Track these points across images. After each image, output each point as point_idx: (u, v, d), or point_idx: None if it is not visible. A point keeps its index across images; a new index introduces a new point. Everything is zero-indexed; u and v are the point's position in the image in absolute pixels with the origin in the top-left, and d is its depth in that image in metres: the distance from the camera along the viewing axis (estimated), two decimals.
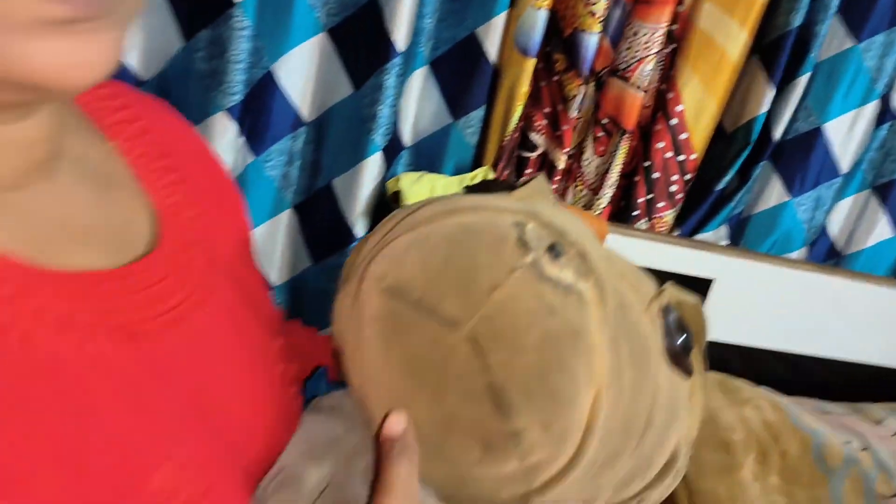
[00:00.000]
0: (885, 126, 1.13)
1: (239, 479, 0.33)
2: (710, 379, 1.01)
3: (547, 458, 0.34)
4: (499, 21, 0.90)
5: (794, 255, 1.15)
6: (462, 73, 0.94)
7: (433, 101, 0.96)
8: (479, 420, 0.34)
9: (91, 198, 0.32)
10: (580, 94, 0.95)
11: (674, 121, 1.00)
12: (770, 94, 0.99)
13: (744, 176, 1.06)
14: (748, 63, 1.02)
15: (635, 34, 0.94)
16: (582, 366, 0.34)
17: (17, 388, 0.23)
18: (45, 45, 0.22)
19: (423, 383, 0.35)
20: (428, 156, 0.98)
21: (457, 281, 0.35)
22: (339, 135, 0.91)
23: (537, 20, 0.90)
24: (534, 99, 0.99)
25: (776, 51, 0.97)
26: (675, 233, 1.08)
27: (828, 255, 1.20)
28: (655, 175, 1.02)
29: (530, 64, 0.91)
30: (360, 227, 0.92)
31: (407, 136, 0.97)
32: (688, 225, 1.08)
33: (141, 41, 0.78)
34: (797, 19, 0.96)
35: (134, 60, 0.78)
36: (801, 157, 1.08)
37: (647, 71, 0.95)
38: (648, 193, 1.03)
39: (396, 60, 0.86)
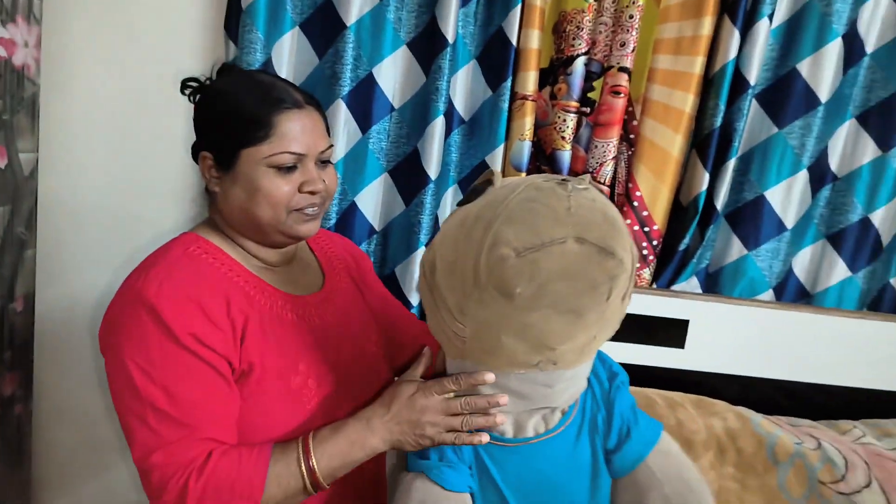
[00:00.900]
0: (828, 187, 1.40)
1: (341, 394, 0.80)
2: (686, 398, 1.30)
3: (629, 268, 0.64)
4: (499, 150, 1.33)
5: (763, 296, 1.42)
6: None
7: None
8: (600, 266, 0.62)
9: (304, 271, 0.91)
10: None
11: (636, 203, 1.35)
12: (706, 176, 1.32)
13: (702, 237, 1.37)
14: (690, 155, 1.36)
15: (596, 147, 1.33)
16: (618, 214, 0.67)
17: (276, 329, 0.78)
18: (303, 227, 0.80)
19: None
20: None
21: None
22: (416, 120, 1.30)
23: (523, 147, 1.32)
24: None
25: (706, 146, 1.32)
26: (654, 286, 1.40)
27: (799, 295, 1.45)
28: None
29: (522, 175, 1.33)
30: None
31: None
32: (663, 279, 1.40)
33: (290, 63, 1.26)
34: (717, 122, 1.30)
35: (284, 75, 1.24)
36: (751, 219, 1.38)
37: (607, 171, 1.33)
38: None
39: (430, 185, 1.30)
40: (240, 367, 0.74)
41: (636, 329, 1.37)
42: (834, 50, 1.29)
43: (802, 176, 1.36)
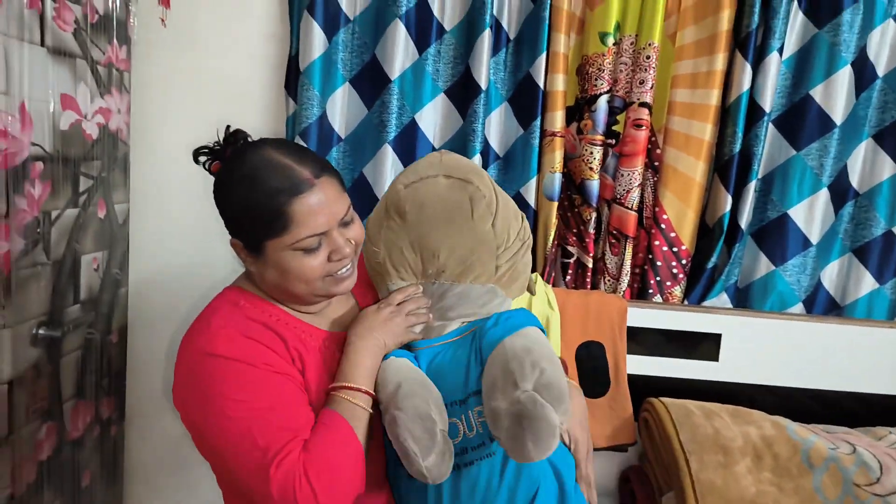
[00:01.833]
0: (850, 203, 1.47)
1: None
2: (723, 409, 1.36)
3: (489, 196, 0.89)
4: (532, 182, 1.45)
5: (794, 309, 1.48)
6: None
7: None
8: (461, 190, 0.90)
9: (342, 308, 0.97)
10: (592, 218, 1.45)
11: (663, 225, 1.45)
12: (728, 198, 1.41)
13: (729, 255, 1.45)
14: (712, 179, 1.46)
15: (622, 175, 1.44)
16: (481, 168, 0.96)
17: (321, 362, 0.87)
18: (337, 288, 0.87)
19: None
20: None
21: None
22: None
23: (555, 179, 1.43)
24: (565, 224, 1.51)
25: (727, 170, 1.41)
26: (685, 302, 1.48)
27: (829, 308, 1.51)
28: (659, 263, 1.46)
29: (555, 205, 1.44)
30: None
31: None
32: (694, 296, 1.48)
33: (342, 115, 1.41)
34: (736, 148, 1.39)
35: (336, 126, 1.41)
36: (776, 236, 1.46)
37: (634, 197, 1.43)
38: (656, 276, 1.47)
39: None
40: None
41: (671, 344, 1.45)
42: (845, 76, 1.38)
43: (823, 194, 1.43)
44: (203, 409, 0.77)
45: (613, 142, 1.46)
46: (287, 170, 0.79)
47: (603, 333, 1.44)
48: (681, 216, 1.44)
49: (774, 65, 1.37)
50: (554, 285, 1.50)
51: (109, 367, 1.38)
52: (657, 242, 1.46)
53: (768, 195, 1.47)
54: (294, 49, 1.39)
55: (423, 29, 1.39)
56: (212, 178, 1.45)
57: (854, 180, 1.46)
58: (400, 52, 1.37)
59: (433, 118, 1.44)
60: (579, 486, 0.89)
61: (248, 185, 0.79)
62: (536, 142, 1.42)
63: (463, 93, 1.42)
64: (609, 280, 1.49)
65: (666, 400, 1.37)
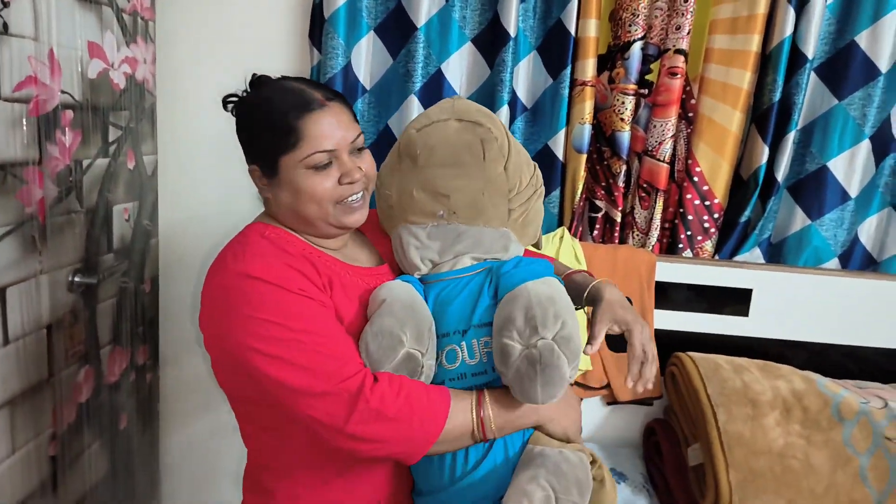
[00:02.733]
0: (892, 156, 1.41)
1: None
2: (752, 363, 1.35)
3: (500, 139, 0.88)
4: (560, 134, 1.42)
5: (829, 265, 1.44)
6: (543, 170, 1.46)
7: None
8: (472, 132, 0.89)
9: (361, 248, 0.98)
10: (622, 171, 1.42)
11: (696, 178, 1.41)
12: (765, 150, 1.36)
13: (763, 209, 1.41)
14: (749, 130, 1.41)
15: (655, 126, 1.40)
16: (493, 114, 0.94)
17: (346, 290, 0.86)
18: (349, 217, 0.86)
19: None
20: None
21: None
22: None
23: (584, 131, 1.40)
24: (593, 178, 1.48)
25: (765, 121, 1.36)
26: (716, 257, 1.46)
27: (866, 263, 1.47)
28: (690, 218, 1.43)
29: (583, 158, 1.41)
30: None
31: None
32: (725, 251, 1.45)
33: (367, 64, 1.39)
34: (776, 97, 1.34)
35: (361, 76, 1.39)
36: (814, 189, 1.41)
37: (667, 149, 1.39)
38: (687, 231, 1.44)
39: None
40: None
41: (700, 299, 1.43)
42: (892, 21, 1.31)
43: (865, 146, 1.38)
44: (235, 330, 0.77)
45: (646, 91, 1.41)
46: (299, 91, 0.84)
47: (630, 288, 1.42)
48: (715, 168, 1.40)
49: (819, 8, 1.30)
50: (581, 240, 1.48)
51: (143, 315, 1.41)
52: (689, 196, 1.42)
53: (807, 147, 1.42)
54: None
55: None
56: (234, 132, 1.46)
57: None
58: None
59: (460, 68, 1.41)
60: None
61: (264, 106, 0.84)
62: (566, 92, 1.38)
63: (490, 41, 1.38)
64: (638, 235, 1.47)
65: (693, 354, 1.36)
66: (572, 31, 1.35)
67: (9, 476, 1.00)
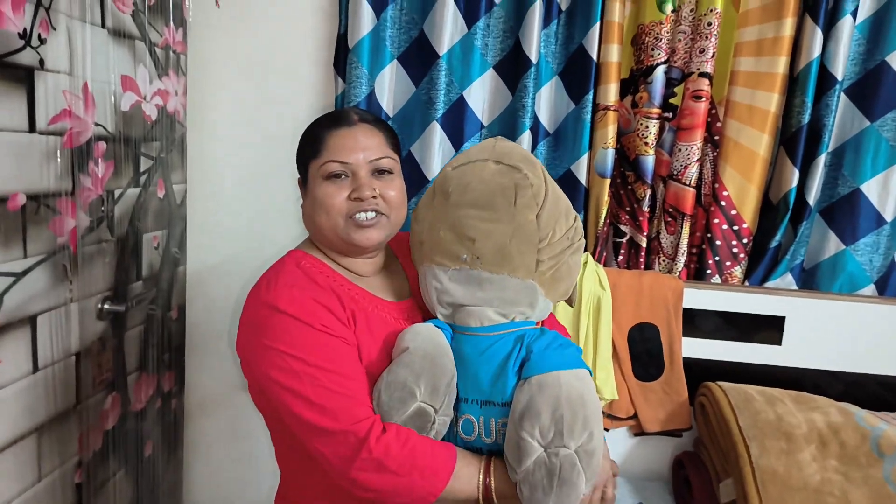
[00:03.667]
0: None
1: None
2: (786, 394, 1.30)
3: (537, 187, 0.84)
4: (583, 159, 1.41)
5: (864, 291, 1.39)
6: (566, 195, 1.45)
7: None
8: (508, 176, 0.85)
9: (392, 279, 0.98)
10: (647, 195, 1.40)
11: (723, 203, 1.38)
12: (795, 173, 1.33)
13: (795, 233, 1.37)
14: (778, 153, 1.38)
15: (679, 150, 1.38)
16: (536, 159, 0.89)
17: (370, 324, 0.87)
18: (357, 234, 0.88)
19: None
20: None
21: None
22: (504, 135, 1.39)
23: (607, 155, 1.39)
24: (618, 202, 1.46)
25: (794, 143, 1.33)
26: (746, 283, 1.42)
27: None
28: (718, 243, 1.40)
29: (607, 183, 1.40)
30: None
31: None
32: (755, 277, 1.41)
33: (390, 92, 1.40)
34: (805, 119, 1.31)
35: (384, 104, 1.40)
36: (847, 213, 1.37)
37: (692, 173, 1.37)
38: (715, 256, 1.41)
39: None
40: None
41: (730, 326, 1.40)
42: None
43: None
44: (259, 359, 0.81)
45: (670, 115, 1.40)
46: (341, 112, 0.93)
47: (657, 315, 1.39)
48: (742, 192, 1.37)
49: (847, 29, 1.28)
50: (605, 265, 1.46)
51: (170, 342, 1.43)
52: (716, 220, 1.39)
53: (839, 170, 1.38)
54: (343, 27, 1.39)
55: (472, 2, 1.37)
56: (264, 160, 1.49)
57: None
58: (448, 26, 1.35)
59: (482, 94, 1.42)
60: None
61: (312, 122, 0.94)
62: (588, 117, 1.38)
63: (513, 67, 1.39)
64: (664, 260, 1.44)
65: (724, 384, 1.32)
66: (594, 57, 1.35)
67: (35, 503, 1.01)
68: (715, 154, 1.40)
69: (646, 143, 1.38)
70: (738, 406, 1.25)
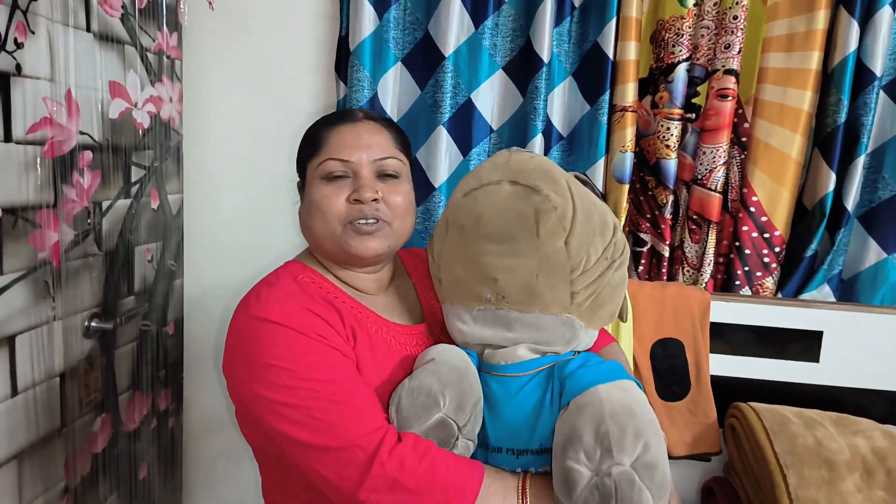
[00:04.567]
0: None
1: None
2: (825, 416, 1.19)
3: (562, 208, 0.72)
4: (600, 164, 1.32)
5: None
6: None
7: None
8: (527, 200, 0.72)
9: (401, 299, 0.88)
10: (669, 201, 1.31)
11: (752, 209, 1.28)
12: (832, 176, 1.23)
13: (832, 241, 1.27)
14: (812, 155, 1.28)
15: (704, 153, 1.29)
16: (557, 170, 0.75)
17: (373, 347, 0.78)
18: (355, 242, 0.79)
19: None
20: None
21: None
22: (515, 139, 1.33)
23: (625, 159, 1.30)
24: (637, 209, 1.37)
25: (829, 144, 1.23)
26: (779, 295, 1.31)
27: None
28: (747, 252, 1.30)
29: (625, 188, 1.31)
30: None
31: None
32: (789, 288, 1.30)
33: (394, 96, 1.33)
34: (841, 118, 1.21)
35: (388, 108, 1.32)
36: (889, 219, 1.26)
37: (718, 177, 1.27)
38: (744, 266, 1.31)
39: None
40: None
41: (762, 341, 1.29)
42: None
43: None
44: (246, 376, 0.71)
45: (693, 116, 1.31)
46: (346, 110, 0.86)
47: (682, 330, 1.29)
48: (774, 198, 1.27)
49: (886, 22, 1.18)
50: None
51: (166, 358, 1.37)
52: (745, 228, 1.29)
53: (879, 172, 1.27)
54: (344, 29, 1.32)
55: (480, 0, 1.29)
56: (266, 167, 1.43)
57: None
58: (454, 26, 1.28)
59: (490, 97, 1.34)
60: None
61: (314, 123, 0.87)
62: (605, 118, 1.29)
63: (523, 68, 1.31)
64: (689, 270, 1.35)
65: (757, 405, 1.21)
66: (610, 55, 1.26)
67: None
68: (743, 157, 1.31)
69: (667, 146, 1.29)
70: (772, 430, 1.14)
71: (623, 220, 1.33)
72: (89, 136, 1.05)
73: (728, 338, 1.31)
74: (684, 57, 1.26)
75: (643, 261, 1.38)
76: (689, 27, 1.25)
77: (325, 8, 1.35)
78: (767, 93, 1.26)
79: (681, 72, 1.26)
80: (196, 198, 1.42)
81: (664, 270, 1.35)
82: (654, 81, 1.31)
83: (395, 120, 1.36)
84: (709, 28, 1.26)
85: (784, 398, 1.26)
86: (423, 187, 1.34)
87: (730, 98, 1.24)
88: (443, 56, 1.29)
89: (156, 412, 1.34)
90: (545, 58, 1.26)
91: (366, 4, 1.27)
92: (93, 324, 1.09)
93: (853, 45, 1.19)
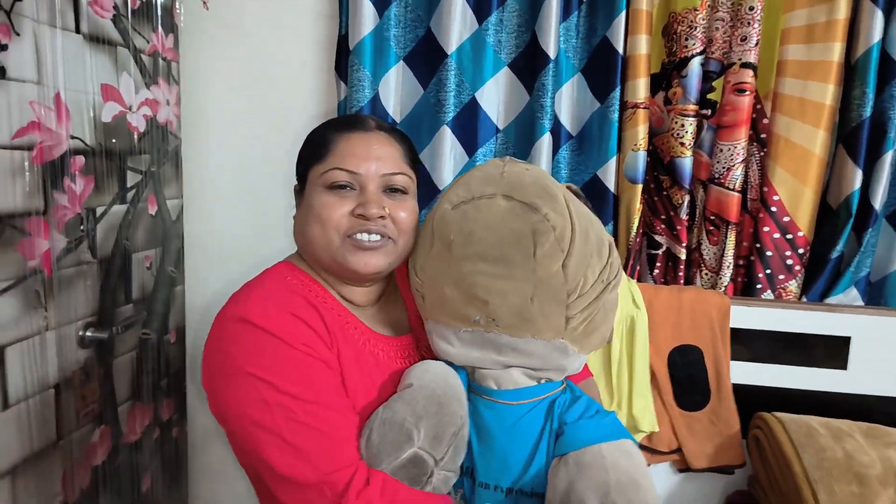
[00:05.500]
0: None
1: None
2: (855, 427, 1.13)
3: (560, 228, 0.67)
4: (611, 163, 1.27)
5: None
6: (592, 203, 1.31)
7: None
8: (524, 219, 0.68)
9: (390, 309, 0.85)
10: (685, 202, 1.25)
11: (773, 208, 1.22)
12: (858, 174, 1.16)
13: (859, 242, 1.20)
14: (836, 151, 1.21)
15: (721, 151, 1.23)
16: (555, 185, 0.70)
17: (359, 360, 0.74)
18: (355, 258, 0.74)
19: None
20: None
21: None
22: (522, 139, 1.28)
23: (638, 158, 1.25)
24: (651, 210, 1.31)
25: (854, 140, 1.16)
26: (803, 299, 1.25)
27: None
28: (769, 254, 1.24)
29: (639, 188, 1.25)
30: None
31: None
32: (814, 292, 1.24)
33: (396, 96, 1.28)
34: (866, 112, 1.15)
35: (390, 109, 1.28)
36: None
37: (736, 175, 1.21)
38: (766, 269, 1.24)
39: None
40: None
41: (786, 348, 1.23)
42: None
43: None
44: (224, 386, 0.67)
45: (709, 112, 1.25)
46: (356, 116, 0.82)
47: (701, 336, 1.23)
48: (796, 197, 1.21)
49: None
50: (639, 280, 1.31)
51: (168, 367, 1.34)
52: (766, 228, 1.23)
53: None
54: (344, 28, 1.29)
55: None
56: (267, 170, 1.40)
57: None
58: (457, 23, 1.24)
59: (496, 95, 1.29)
60: None
61: (321, 123, 0.83)
62: (616, 116, 1.24)
63: (529, 65, 1.26)
64: (707, 274, 1.29)
65: (782, 415, 1.15)
66: (620, 50, 1.21)
67: None
68: (762, 154, 1.24)
69: (682, 144, 1.24)
70: (799, 442, 1.08)
71: (636, 221, 1.27)
72: (81, 140, 1.02)
73: (750, 344, 1.25)
74: (698, 50, 1.20)
75: (658, 264, 1.32)
76: (703, 19, 1.20)
77: (325, 6, 1.32)
78: (787, 86, 1.20)
79: (695, 66, 1.20)
80: (196, 202, 1.39)
81: (681, 274, 1.29)
82: (666, 77, 1.26)
83: (398, 121, 1.32)
84: (724, 20, 1.21)
85: (810, 408, 1.19)
86: (426, 191, 1.29)
87: (747, 92, 1.18)
88: (445, 54, 1.25)
89: (158, 422, 1.31)
90: (552, 54, 1.21)
91: (365, 2, 1.24)
92: (88, 333, 1.06)
93: (878, 35, 1.13)
